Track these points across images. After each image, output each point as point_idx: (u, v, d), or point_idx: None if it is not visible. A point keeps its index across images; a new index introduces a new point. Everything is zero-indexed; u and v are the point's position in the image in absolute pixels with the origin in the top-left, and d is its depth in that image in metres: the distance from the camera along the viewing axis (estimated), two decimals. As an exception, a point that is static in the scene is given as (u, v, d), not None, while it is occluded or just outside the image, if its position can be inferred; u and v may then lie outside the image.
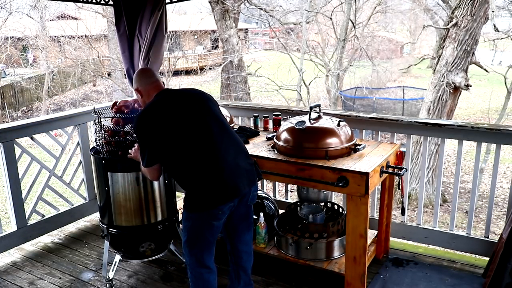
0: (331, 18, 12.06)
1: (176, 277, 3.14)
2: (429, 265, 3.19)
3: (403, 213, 3.25)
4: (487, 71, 8.30)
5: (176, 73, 16.43)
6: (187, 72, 20.23)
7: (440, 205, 5.69)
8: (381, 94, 17.97)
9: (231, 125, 2.84)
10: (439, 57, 7.64)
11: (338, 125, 2.84)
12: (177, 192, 3.37)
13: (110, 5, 3.69)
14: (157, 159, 2.30)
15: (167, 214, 2.98)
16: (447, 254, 3.33)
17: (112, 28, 12.30)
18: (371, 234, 3.15)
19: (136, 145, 2.58)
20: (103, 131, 2.84)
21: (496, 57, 18.86)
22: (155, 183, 2.86)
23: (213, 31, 23.07)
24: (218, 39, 21.29)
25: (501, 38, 10.65)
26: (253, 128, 3.59)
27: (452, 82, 7.34)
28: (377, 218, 3.27)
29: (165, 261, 3.31)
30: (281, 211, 3.45)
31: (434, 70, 7.79)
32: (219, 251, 3.34)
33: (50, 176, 3.68)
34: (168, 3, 3.71)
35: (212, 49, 25.77)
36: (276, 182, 3.88)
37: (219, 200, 2.25)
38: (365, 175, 2.52)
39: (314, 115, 2.92)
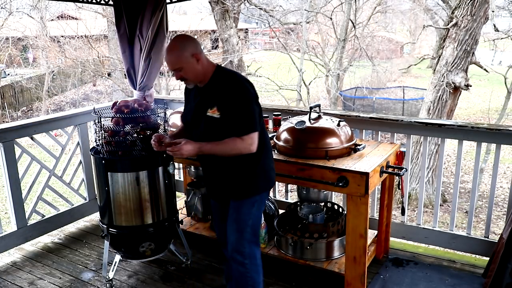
0: (331, 18, 12.05)
1: (176, 277, 3.14)
2: (429, 265, 3.19)
3: (403, 213, 3.25)
4: (487, 71, 8.30)
5: (176, 73, 16.41)
6: (187, 72, 20.17)
7: (440, 205, 5.69)
8: (381, 94, 17.97)
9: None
10: (439, 57, 7.64)
11: (338, 125, 2.84)
12: (177, 192, 3.37)
13: (110, 5, 3.69)
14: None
15: (167, 214, 2.97)
16: (447, 254, 3.33)
17: (112, 28, 12.31)
18: (371, 234, 3.15)
19: (183, 141, 2.19)
20: (103, 131, 2.83)
21: (496, 57, 18.85)
22: (155, 183, 2.86)
23: (213, 31, 23.02)
24: (218, 39, 21.27)
25: (501, 38, 10.65)
26: (253, 128, 3.58)
27: (452, 82, 7.34)
28: (377, 218, 3.27)
29: (165, 261, 3.31)
30: (281, 211, 3.45)
31: (434, 70, 7.79)
32: (220, 251, 3.34)
33: (50, 176, 3.68)
34: (169, 3, 3.71)
35: (212, 49, 25.74)
36: (276, 182, 3.88)
37: (274, 178, 2.49)
38: (365, 175, 2.52)
39: (314, 115, 2.92)
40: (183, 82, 2.27)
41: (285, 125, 2.98)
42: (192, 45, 2.20)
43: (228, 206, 2.43)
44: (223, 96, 2.17)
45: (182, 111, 2.55)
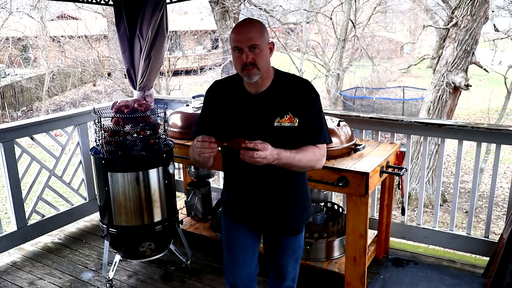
0: (331, 18, 12.06)
1: (176, 277, 3.14)
2: (429, 265, 3.19)
3: (403, 213, 3.25)
4: (487, 71, 8.30)
5: (176, 73, 16.45)
6: (187, 72, 20.23)
7: (440, 205, 5.68)
8: (381, 94, 17.98)
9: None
10: (439, 57, 7.64)
11: (338, 125, 2.83)
12: (177, 192, 3.37)
13: (110, 5, 3.69)
14: None
15: (167, 214, 2.97)
16: (447, 254, 3.33)
17: (112, 28, 12.32)
18: (371, 234, 3.15)
19: (263, 143, 1.69)
20: (103, 131, 2.83)
21: (496, 57, 18.86)
22: (155, 183, 2.86)
23: (213, 31, 23.07)
24: (218, 39, 21.29)
25: (501, 38, 10.65)
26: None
27: (452, 82, 7.34)
28: (377, 218, 3.27)
29: (165, 261, 3.30)
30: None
31: (434, 70, 7.79)
32: (221, 251, 3.35)
33: (50, 176, 3.68)
34: (169, 3, 3.71)
35: (212, 49, 25.77)
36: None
37: None
38: (365, 175, 2.52)
39: (314, 115, 2.91)
40: (247, 71, 1.78)
41: (285, 125, 2.97)
42: (267, 34, 1.84)
43: (262, 236, 2.11)
44: (299, 100, 1.83)
45: (200, 127, 1.99)
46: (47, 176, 3.67)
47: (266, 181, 1.91)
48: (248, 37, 1.75)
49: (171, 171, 2.91)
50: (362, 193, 2.54)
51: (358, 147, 2.84)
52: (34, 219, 3.64)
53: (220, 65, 13.95)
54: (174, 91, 15.00)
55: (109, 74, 14.93)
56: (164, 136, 2.95)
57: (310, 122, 1.84)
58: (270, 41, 1.83)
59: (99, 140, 2.86)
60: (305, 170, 1.87)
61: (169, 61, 15.47)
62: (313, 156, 1.83)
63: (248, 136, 1.77)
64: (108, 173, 2.80)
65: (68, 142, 3.83)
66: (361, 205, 2.58)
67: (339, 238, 2.99)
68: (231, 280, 2.08)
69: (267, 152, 1.67)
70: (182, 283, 3.06)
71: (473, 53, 7.32)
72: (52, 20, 18.92)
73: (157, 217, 2.92)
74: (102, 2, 3.69)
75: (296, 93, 1.85)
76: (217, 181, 4.37)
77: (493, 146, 3.39)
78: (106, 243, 2.96)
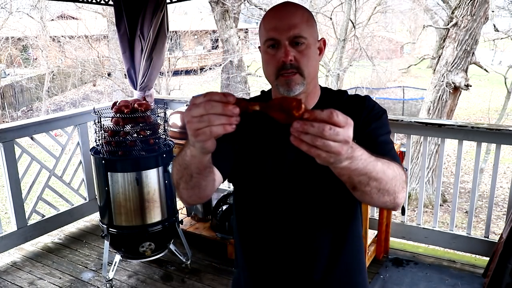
0: (331, 18, 12.06)
1: (176, 277, 3.14)
2: (429, 265, 3.19)
3: (403, 213, 3.25)
4: (487, 71, 8.31)
5: (176, 73, 16.45)
6: (187, 72, 20.23)
7: (440, 205, 5.68)
8: (381, 94, 17.97)
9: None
10: (439, 57, 7.64)
11: (338, 125, 2.83)
12: (177, 192, 3.37)
13: (110, 5, 3.69)
14: None
15: (167, 214, 2.97)
16: (447, 254, 3.33)
17: (112, 28, 12.32)
18: (371, 234, 3.15)
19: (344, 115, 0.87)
20: (103, 131, 2.83)
21: (496, 57, 18.86)
22: (155, 183, 2.86)
23: (213, 31, 23.08)
24: (218, 39, 21.32)
25: (501, 38, 10.67)
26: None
27: (452, 82, 7.34)
28: (377, 218, 3.27)
29: (165, 261, 3.30)
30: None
31: (434, 70, 7.80)
32: (220, 251, 3.36)
33: (50, 176, 3.68)
34: (169, 3, 3.71)
35: (212, 49, 25.77)
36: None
37: None
38: (365, 175, 2.51)
39: (314, 115, 2.91)
40: (284, 77, 1.18)
41: (285, 125, 2.97)
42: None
43: None
44: (360, 113, 1.21)
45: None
46: (47, 176, 3.67)
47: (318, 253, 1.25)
48: (290, 23, 1.15)
49: (171, 171, 2.90)
50: (362, 193, 2.54)
51: (358, 147, 2.83)
52: (34, 219, 3.64)
53: (220, 65, 13.96)
54: (174, 91, 15.01)
55: (109, 74, 14.94)
56: (164, 136, 2.96)
57: (377, 133, 1.20)
58: (320, 38, 1.25)
59: (99, 140, 2.86)
60: (384, 202, 1.04)
61: (169, 61, 15.47)
62: (398, 171, 1.06)
63: (285, 178, 1.22)
64: (108, 173, 2.80)
65: (68, 142, 3.83)
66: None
67: (339, 238, 2.99)
68: None
69: (350, 132, 0.84)
70: (182, 283, 3.06)
71: (473, 53, 7.33)
72: (52, 20, 18.93)
73: (157, 217, 2.92)
74: (102, 2, 3.69)
75: (355, 106, 1.23)
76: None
77: (493, 146, 3.39)
78: (106, 243, 2.95)
